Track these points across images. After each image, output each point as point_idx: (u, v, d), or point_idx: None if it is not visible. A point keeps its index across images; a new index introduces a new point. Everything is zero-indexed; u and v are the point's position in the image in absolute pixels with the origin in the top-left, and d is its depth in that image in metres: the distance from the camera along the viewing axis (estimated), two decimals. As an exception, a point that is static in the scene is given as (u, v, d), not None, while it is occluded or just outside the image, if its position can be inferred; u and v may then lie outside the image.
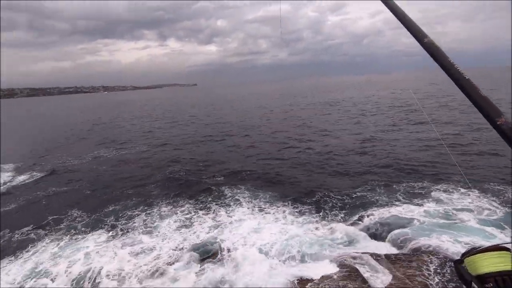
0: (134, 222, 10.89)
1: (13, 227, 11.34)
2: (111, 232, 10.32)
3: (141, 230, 10.24)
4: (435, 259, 7.34)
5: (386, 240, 8.79)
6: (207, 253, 8.61)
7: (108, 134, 32.41)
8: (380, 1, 1.70)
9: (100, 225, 10.93)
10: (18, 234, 10.78)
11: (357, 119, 30.85)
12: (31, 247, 9.73)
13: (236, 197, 12.46)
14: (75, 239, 10.08)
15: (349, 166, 15.85)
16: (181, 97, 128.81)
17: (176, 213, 11.41)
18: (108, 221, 11.17)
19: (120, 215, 11.59)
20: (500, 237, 8.32)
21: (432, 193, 11.61)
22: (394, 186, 12.64)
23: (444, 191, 11.80)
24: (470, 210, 9.92)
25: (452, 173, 13.54)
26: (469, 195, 11.21)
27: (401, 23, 1.51)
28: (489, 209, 9.88)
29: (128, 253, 8.82)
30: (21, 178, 17.59)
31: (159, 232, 10.04)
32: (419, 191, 11.93)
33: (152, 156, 20.72)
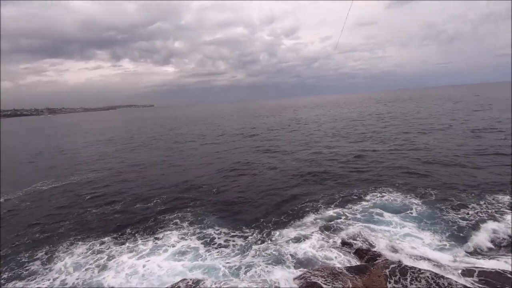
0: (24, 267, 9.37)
1: None
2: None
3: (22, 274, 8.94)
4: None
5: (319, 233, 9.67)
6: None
7: (49, 161, 29.82)
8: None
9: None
10: None
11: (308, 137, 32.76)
12: None
13: (163, 235, 10.90)
14: None
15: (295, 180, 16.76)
16: (134, 118, 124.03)
17: (82, 251, 10.04)
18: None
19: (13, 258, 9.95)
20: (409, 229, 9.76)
21: (366, 196, 13.06)
22: (335, 194, 13.75)
23: (380, 193, 13.28)
24: (394, 209, 11.50)
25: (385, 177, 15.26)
26: (397, 196, 12.77)
27: None
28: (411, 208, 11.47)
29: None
30: None
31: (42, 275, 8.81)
32: (354, 197, 13.18)
33: (89, 185, 18.53)
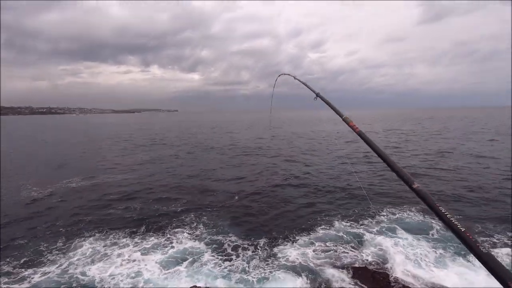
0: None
1: None
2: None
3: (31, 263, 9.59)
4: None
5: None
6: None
7: (80, 160, 31.55)
8: None
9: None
10: None
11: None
12: None
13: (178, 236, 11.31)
14: None
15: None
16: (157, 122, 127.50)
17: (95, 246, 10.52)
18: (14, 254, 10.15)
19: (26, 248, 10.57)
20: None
21: (384, 214, 12.76)
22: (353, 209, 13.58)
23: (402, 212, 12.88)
24: (415, 229, 11.10)
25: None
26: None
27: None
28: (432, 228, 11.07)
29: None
30: None
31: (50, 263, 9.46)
32: (371, 213, 12.94)
33: (117, 184, 19.56)
